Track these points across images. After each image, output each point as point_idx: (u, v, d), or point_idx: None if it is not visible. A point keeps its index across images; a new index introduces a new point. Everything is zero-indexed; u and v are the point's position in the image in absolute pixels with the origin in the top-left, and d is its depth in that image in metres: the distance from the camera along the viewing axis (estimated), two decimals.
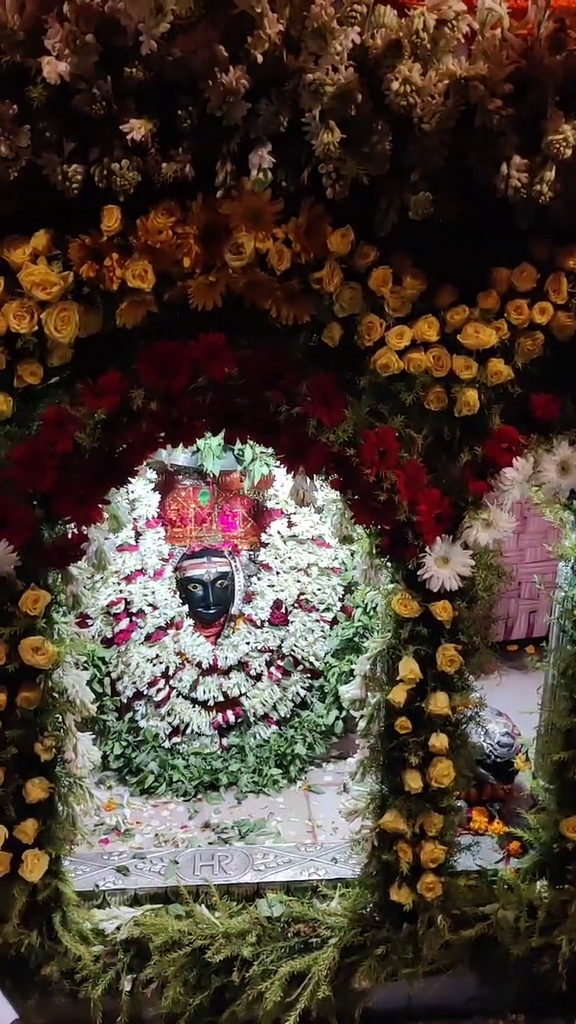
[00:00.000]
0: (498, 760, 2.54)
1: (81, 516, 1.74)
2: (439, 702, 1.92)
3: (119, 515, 1.96)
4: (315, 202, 1.63)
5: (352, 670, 2.84)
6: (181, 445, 1.77)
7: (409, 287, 1.71)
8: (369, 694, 2.06)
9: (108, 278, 1.56)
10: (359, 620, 2.85)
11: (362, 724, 2.09)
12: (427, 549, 1.82)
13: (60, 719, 1.93)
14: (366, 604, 2.77)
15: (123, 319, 1.62)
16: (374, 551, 1.89)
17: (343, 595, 2.90)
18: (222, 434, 1.80)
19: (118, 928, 2.19)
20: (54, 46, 1.42)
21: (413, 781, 1.97)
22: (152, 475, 2.82)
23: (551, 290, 1.73)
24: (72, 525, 1.77)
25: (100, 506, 1.76)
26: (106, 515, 1.83)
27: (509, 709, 2.67)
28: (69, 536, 1.78)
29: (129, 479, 1.77)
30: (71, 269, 1.56)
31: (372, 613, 2.79)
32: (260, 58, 1.48)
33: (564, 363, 1.81)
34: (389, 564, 1.91)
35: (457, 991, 2.27)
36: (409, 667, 1.89)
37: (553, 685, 2.26)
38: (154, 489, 2.83)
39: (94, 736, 2.69)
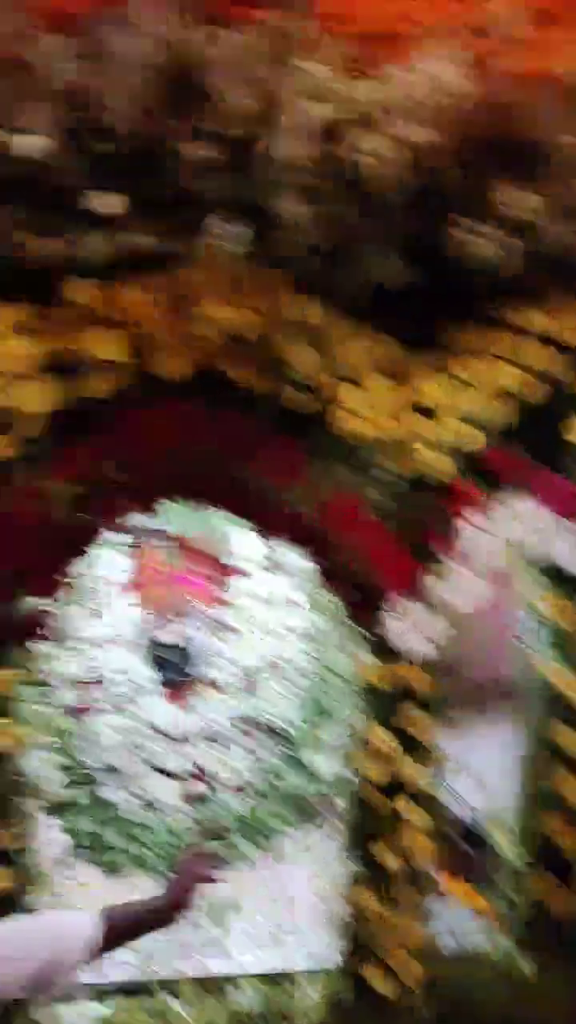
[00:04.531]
0: (474, 828, 2.47)
1: (46, 589, 1.69)
2: (413, 772, 1.86)
3: (80, 586, 1.90)
4: (283, 270, 1.64)
5: (325, 737, 2.79)
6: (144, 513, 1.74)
7: (375, 353, 1.72)
8: (343, 766, 1.99)
9: (80, 350, 1.54)
10: (330, 684, 2.79)
11: (338, 801, 2.02)
12: (394, 613, 1.80)
13: (24, 805, 1.84)
14: (336, 668, 2.72)
15: (92, 390, 1.60)
16: (343, 616, 1.85)
17: (315, 658, 2.85)
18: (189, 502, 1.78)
19: None
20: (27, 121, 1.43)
21: (388, 858, 1.89)
22: (123, 539, 2.77)
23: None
24: (37, 599, 1.71)
25: (63, 578, 1.71)
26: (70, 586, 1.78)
27: (483, 765, 2.60)
28: (30, 610, 1.72)
29: (89, 548, 1.73)
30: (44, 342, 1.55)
31: (344, 677, 2.74)
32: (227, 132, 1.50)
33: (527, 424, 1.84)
34: (358, 629, 1.87)
35: None
36: (380, 736, 1.84)
37: (526, 750, 2.21)
38: (125, 554, 2.78)
39: (62, 814, 2.57)
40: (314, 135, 1.51)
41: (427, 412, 1.75)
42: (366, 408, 1.72)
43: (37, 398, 1.55)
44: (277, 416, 1.72)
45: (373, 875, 1.94)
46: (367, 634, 1.84)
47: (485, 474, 1.83)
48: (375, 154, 1.51)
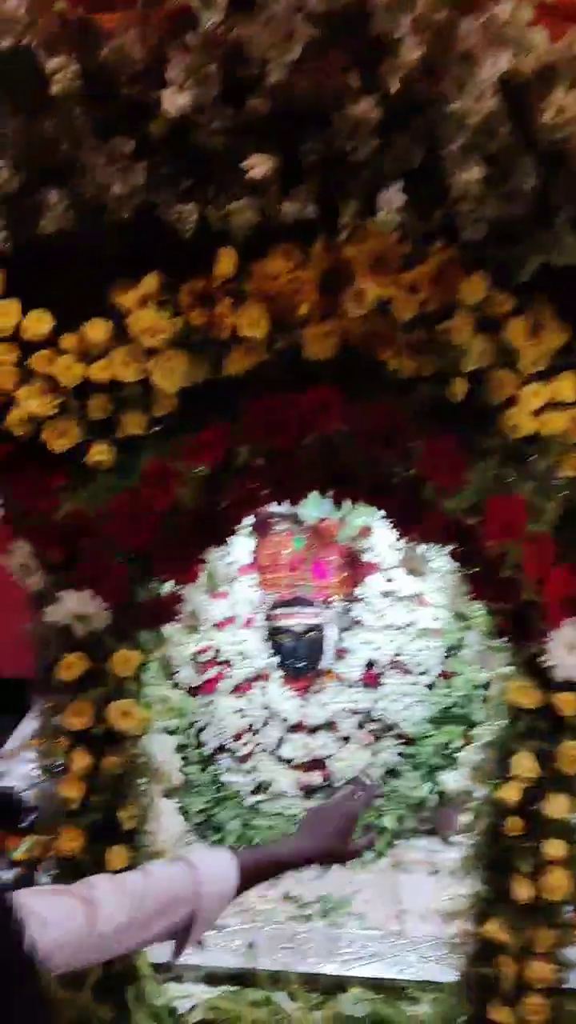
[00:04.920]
0: None
1: (178, 575, 1.63)
2: (557, 805, 1.69)
3: (216, 574, 1.83)
4: (447, 245, 1.48)
5: (449, 742, 2.64)
6: (282, 503, 1.64)
7: (549, 340, 1.52)
8: (476, 787, 1.85)
9: (219, 325, 1.44)
10: (460, 688, 2.63)
11: (465, 819, 1.88)
12: (552, 633, 1.62)
13: (145, 787, 1.81)
14: (467, 673, 2.56)
15: (232, 368, 1.50)
16: (492, 631, 1.69)
17: (443, 659, 2.69)
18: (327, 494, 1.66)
19: (192, 1009, 2.05)
20: (175, 77, 1.33)
21: (522, 890, 1.74)
22: (248, 519, 2.69)
23: None
24: (168, 584, 1.66)
25: (198, 565, 1.64)
26: (203, 574, 1.71)
27: None
28: (164, 595, 1.67)
29: (229, 537, 1.64)
30: (181, 315, 1.46)
31: (475, 683, 2.57)
32: (395, 87, 1.35)
33: None
34: (508, 646, 1.70)
35: None
36: (524, 764, 1.68)
37: None
38: (249, 533, 2.71)
39: (177, 797, 2.57)
40: (497, 90, 1.34)
41: None
42: (539, 404, 1.53)
43: (170, 374, 1.46)
44: (436, 408, 1.57)
45: (500, 902, 1.81)
46: (517, 652, 1.68)
47: None
48: (569, 113, 1.31)
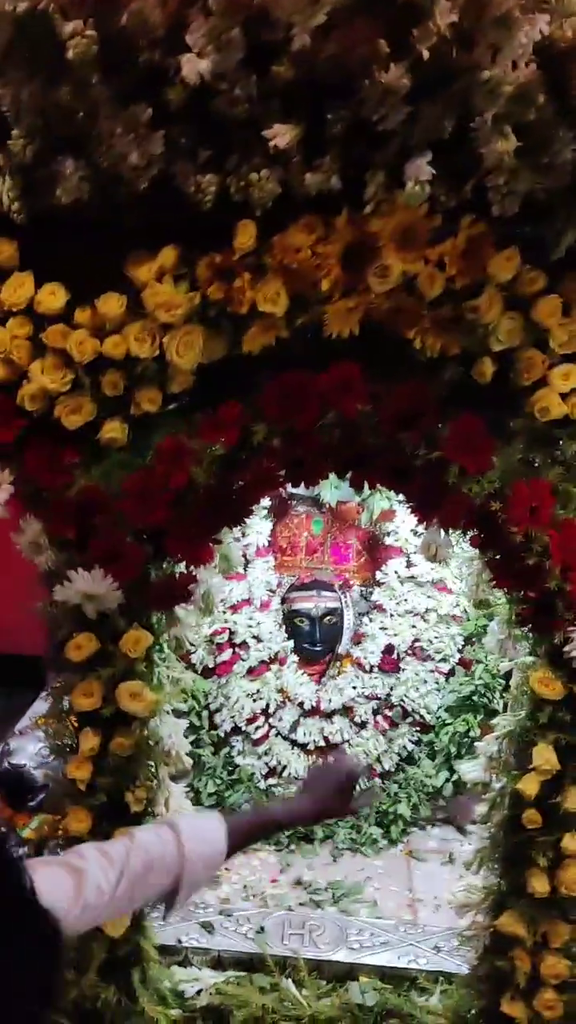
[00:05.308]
0: None
1: (192, 555, 1.59)
2: (574, 795, 1.65)
3: (230, 555, 1.80)
4: (476, 219, 1.42)
5: (468, 730, 2.60)
6: (300, 484, 1.60)
7: None
8: (494, 777, 1.81)
9: (237, 300, 1.39)
10: (479, 677, 2.59)
11: (482, 809, 1.85)
12: None
13: (153, 769, 1.79)
14: (488, 661, 2.51)
15: (250, 345, 1.45)
16: (514, 619, 1.65)
17: (463, 646, 2.65)
18: (346, 477, 1.61)
19: (199, 993, 2.04)
20: (196, 42, 1.27)
21: (539, 884, 1.70)
22: (266, 501, 2.66)
23: None
24: (181, 564, 1.62)
25: (212, 545, 1.61)
26: (217, 555, 1.67)
27: None
28: (177, 576, 1.64)
29: (245, 518, 1.60)
30: (198, 289, 1.41)
31: (495, 672, 2.53)
32: (426, 54, 1.29)
33: None
34: (530, 635, 1.66)
35: None
36: (545, 755, 1.64)
37: None
38: (266, 516, 2.67)
39: (187, 777, 2.56)
40: (533, 58, 1.27)
41: None
42: (571, 386, 1.48)
43: (187, 351, 1.42)
44: (462, 389, 1.51)
45: (515, 895, 1.78)
46: (541, 641, 1.63)
47: None
48: None
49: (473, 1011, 1.92)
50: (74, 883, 1.08)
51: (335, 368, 1.48)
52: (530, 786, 1.66)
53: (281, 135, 1.29)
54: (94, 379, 1.46)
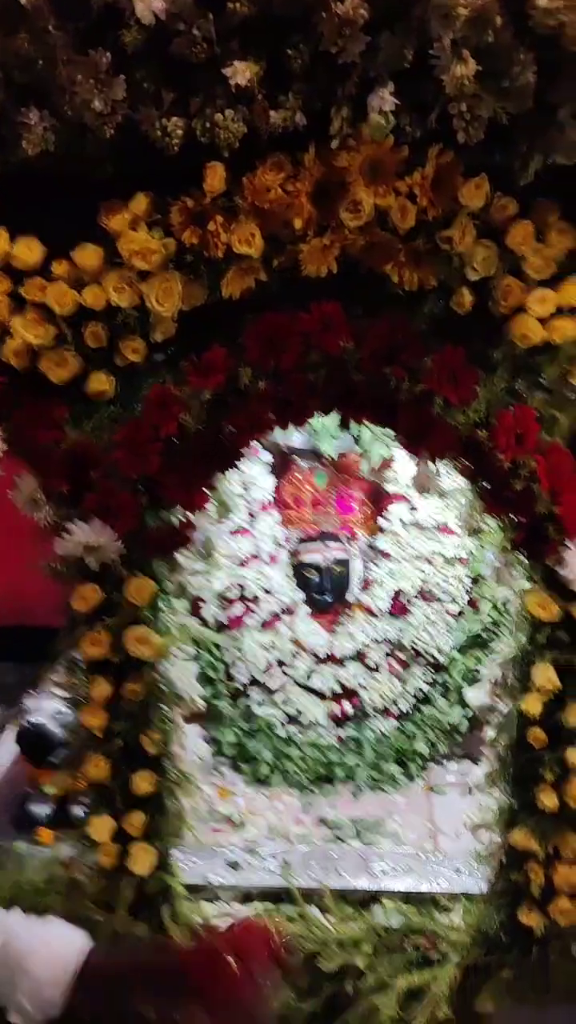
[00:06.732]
0: None
1: (187, 502, 1.64)
2: None
3: (226, 500, 1.84)
4: (444, 149, 1.43)
5: (478, 668, 2.65)
6: (293, 426, 1.63)
7: (555, 244, 1.48)
8: (499, 701, 1.86)
9: (212, 244, 1.42)
10: (488, 615, 2.63)
11: (491, 733, 1.90)
12: (570, 544, 1.60)
13: (167, 712, 1.85)
14: (495, 599, 2.55)
15: (229, 289, 1.48)
16: (508, 545, 1.68)
17: (470, 587, 2.68)
18: (335, 414, 1.64)
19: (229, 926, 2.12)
20: None
21: (547, 799, 1.76)
22: (268, 457, 2.69)
23: None
24: (178, 512, 1.67)
25: (206, 491, 1.65)
26: (213, 501, 1.71)
27: None
28: (175, 523, 1.68)
29: (236, 463, 1.64)
30: (172, 236, 1.44)
31: (502, 608, 2.56)
32: None
33: None
34: (525, 560, 1.69)
35: None
36: (546, 675, 1.68)
37: None
38: (270, 472, 2.71)
39: (207, 724, 2.63)
40: None
41: None
42: (548, 311, 1.49)
43: (166, 297, 1.45)
44: (443, 321, 1.53)
45: (526, 812, 1.83)
46: (535, 565, 1.66)
47: None
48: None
49: (494, 925, 1.99)
50: None
51: (316, 307, 1.50)
52: (533, 706, 1.70)
53: (241, 73, 1.30)
54: (76, 332, 1.49)
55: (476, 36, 1.32)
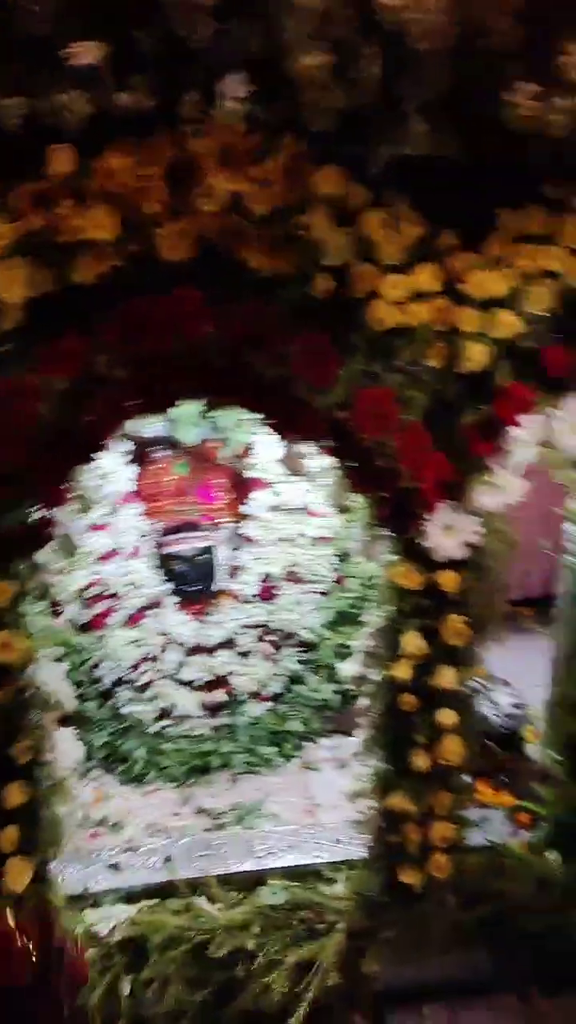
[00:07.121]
0: (505, 731, 2.44)
1: (46, 498, 1.58)
2: (446, 677, 1.80)
3: (87, 495, 1.78)
4: (297, 137, 1.45)
5: (347, 643, 2.73)
6: (152, 415, 1.60)
7: (406, 232, 1.54)
8: (370, 671, 1.93)
9: (62, 229, 1.37)
10: (354, 590, 2.71)
11: (364, 701, 1.97)
12: (430, 517, 1.68)
13: (37, 718, 1.78)
14: (361, 574, 2.64)
15: (81, 275, 1.43)
16: (373, 521, 1.74)
17: (336, 565, 2.76)
18: (199, 401, 1.64)
19: (113, 929, 2.08)
20: None
21: (421, 760, 1.86)
22: (126, 447, 2.64)
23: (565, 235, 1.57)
24: (36, 508, 1.60)
25: (66, 486, 1.60)
26: (73, 495, 1.66)
27: (510, 673, 2.57)
28: (33, 521, 1.61)
29: (95, 455, 1.60)
30: (17, 220, 1.37)
31: (367, 583, 2.66)
32: None
33: None
34: (389, 534, 1.76)
35: (470, 968, 2.20)
36: (414, 642, 1.77)
37: (563, 656, 2.15)
38: (130, 462, 2.66)
39: (76, 728, 2.55)
40: None
41: (472, 303, 1.58)
42: (401, 295, 1.54)
43: (11, 284, 1.38)
44: (304, 307, 1.55)
45: (404, 776, 1.92)
46: (398, 538, 1.74)
47: (538, 372, 1.67)
48: None
49: (375, 888, 2.07)
50: None
51: (176, 292, 1.48)
52: (403, 671, 1.79)
53: (83, 53, 1.26)
54: None
55: (323, 29, 1.34)
